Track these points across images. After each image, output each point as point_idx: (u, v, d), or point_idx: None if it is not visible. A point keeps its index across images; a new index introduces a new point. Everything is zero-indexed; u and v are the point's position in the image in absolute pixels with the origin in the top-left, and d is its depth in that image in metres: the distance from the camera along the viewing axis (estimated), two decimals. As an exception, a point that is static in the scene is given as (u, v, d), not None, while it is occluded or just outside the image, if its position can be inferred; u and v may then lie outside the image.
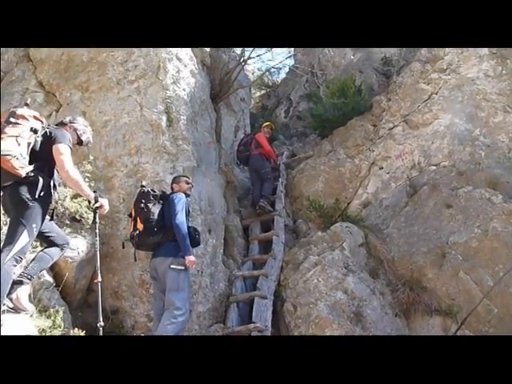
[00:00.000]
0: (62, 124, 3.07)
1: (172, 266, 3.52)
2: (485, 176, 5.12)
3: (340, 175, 6.39)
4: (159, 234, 3.60)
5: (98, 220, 2.96)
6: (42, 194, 2.66)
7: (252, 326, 4.06)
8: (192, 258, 3.58)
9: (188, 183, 3.99)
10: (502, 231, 4.53)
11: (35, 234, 2.68)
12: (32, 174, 2.64)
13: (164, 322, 3.37)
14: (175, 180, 4.02)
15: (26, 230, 2.61)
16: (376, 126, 6.55)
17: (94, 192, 2.95)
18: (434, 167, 5.63)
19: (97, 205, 2.89)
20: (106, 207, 2.95)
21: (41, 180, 2.67)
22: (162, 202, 3.74)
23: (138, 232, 3.59)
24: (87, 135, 3.17)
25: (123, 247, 3.77)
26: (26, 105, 2.92)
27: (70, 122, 3.09)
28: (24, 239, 2.58)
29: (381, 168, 6.15)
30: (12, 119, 2.72)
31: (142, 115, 4.57)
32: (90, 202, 3.00)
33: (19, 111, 2.77)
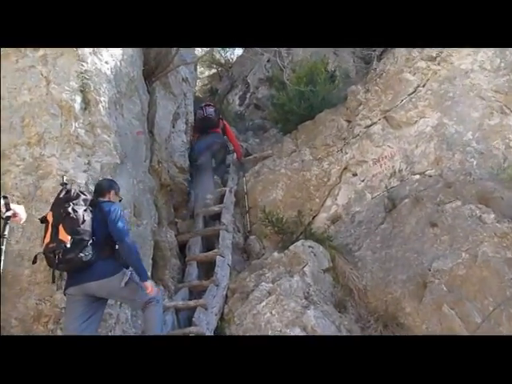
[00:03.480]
0: None
1: (123, 284, 3.71)
2: (476, 189, 5.31)
3: (304, 181, 6.44)
4: (92, 249, 3.62)
5: (7, 233, 2.93)
6: None
7: (184, 372, 4.02)
8: (150, 283, 3.89)
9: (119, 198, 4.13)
10: (493, 257, 4.72)
11: None
12: None
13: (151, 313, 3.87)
14: (112, 187, 4.07)
15: None
16: (350, 123, 6.66)
17: (5, 198, 2.93)
18: (418, 176, 5.81)
19: (8, 213, 2.88)
20: (22, 216, 2.96)
21: None
22: (91, 209, 3.76)
23: (63, 245, 3.51)
24: None
25: (34, 262, 3.68)
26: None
27: None
28: None
29: (354, 175, 6.24)
30: None
31: (48, 93, 4.45)
32: (7, 211, 2.98)
33: None
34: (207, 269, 5.54)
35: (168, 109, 6.83)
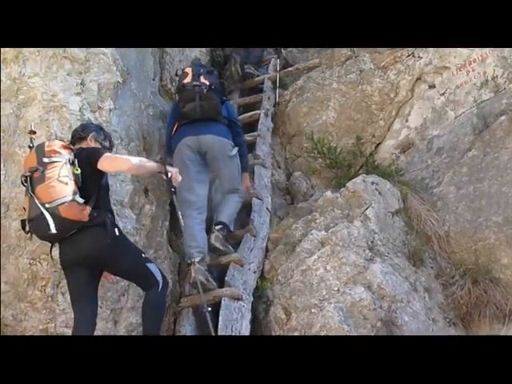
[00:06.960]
0: (79, 140, 3.83)
1: (231, 154, 4.69)
2: None
3: (364, 98, 6.20)
4: (220, 105, 4.81)
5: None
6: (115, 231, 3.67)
7: (218, 343, 4.12)
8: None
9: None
10: None
11: None
12: (95, 214, 3.51)
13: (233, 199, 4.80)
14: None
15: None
16: (425, 15, 6.48)
17: (161, 159, 4.09)
18: (520, 86, 5.60)
19: (170, 175, 3.77)
20: (177, 177, 3.81)
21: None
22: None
23: (204, 87, 4.65)
24: (109, 138, 4.04)
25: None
26: (33, 132, 3.66)
27: (86, 133, 3.83)
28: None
29: (432, 86, 5.96)
30: (45, 159, 3.46)
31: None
32: (166, 175, 3.83)
33: (47, 147, 3.53)
34: (241, 215, 5.32)
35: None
